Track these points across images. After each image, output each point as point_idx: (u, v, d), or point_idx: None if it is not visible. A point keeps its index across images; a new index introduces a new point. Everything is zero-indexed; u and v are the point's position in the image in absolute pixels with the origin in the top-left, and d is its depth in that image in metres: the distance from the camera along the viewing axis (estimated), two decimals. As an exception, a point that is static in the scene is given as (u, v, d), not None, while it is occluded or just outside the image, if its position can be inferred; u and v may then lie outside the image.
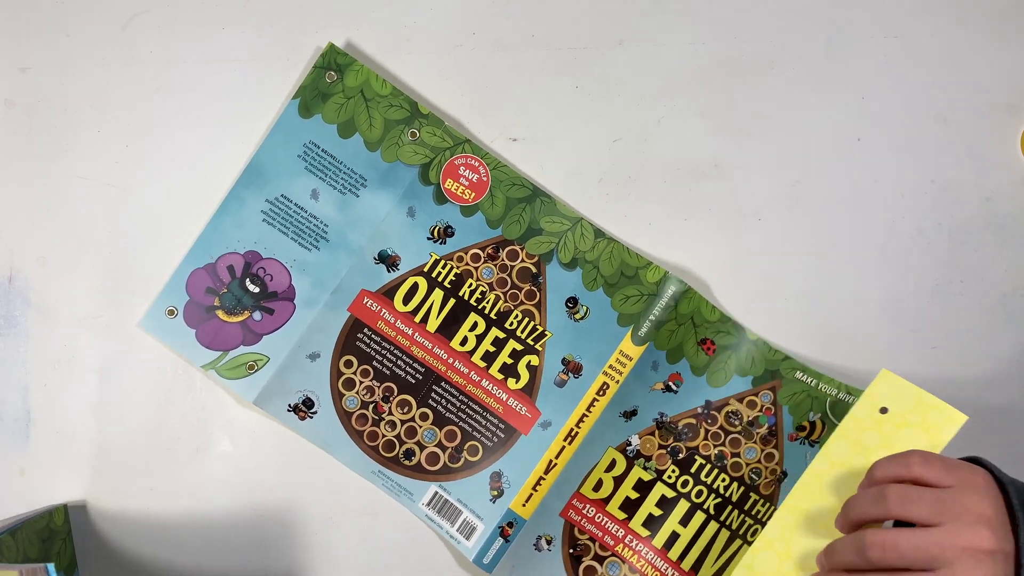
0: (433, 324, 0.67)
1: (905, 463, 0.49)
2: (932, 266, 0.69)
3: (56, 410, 0.69)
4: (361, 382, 0.67)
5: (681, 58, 0.70)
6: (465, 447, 0.67)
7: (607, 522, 0.67)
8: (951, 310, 0.69)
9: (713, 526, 0.66)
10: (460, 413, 0.67)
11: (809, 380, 0.67)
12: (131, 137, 0.69)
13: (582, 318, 0.67)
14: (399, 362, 0.67)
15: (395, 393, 0.67)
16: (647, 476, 0.67)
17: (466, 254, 0.68)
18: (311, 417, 0.67)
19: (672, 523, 0.66)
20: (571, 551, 0.67)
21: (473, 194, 0.68)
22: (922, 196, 0.69)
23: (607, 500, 0.67)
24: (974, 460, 0.50)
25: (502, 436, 0.67)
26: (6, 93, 0.69)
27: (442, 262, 0.68)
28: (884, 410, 0.56)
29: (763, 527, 0.61)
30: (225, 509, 0.68)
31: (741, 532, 0.66)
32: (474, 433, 0.67)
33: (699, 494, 0.67)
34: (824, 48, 0.70)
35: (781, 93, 0.70)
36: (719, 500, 0.66)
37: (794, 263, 0.69)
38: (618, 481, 0.67)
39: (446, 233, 0.68)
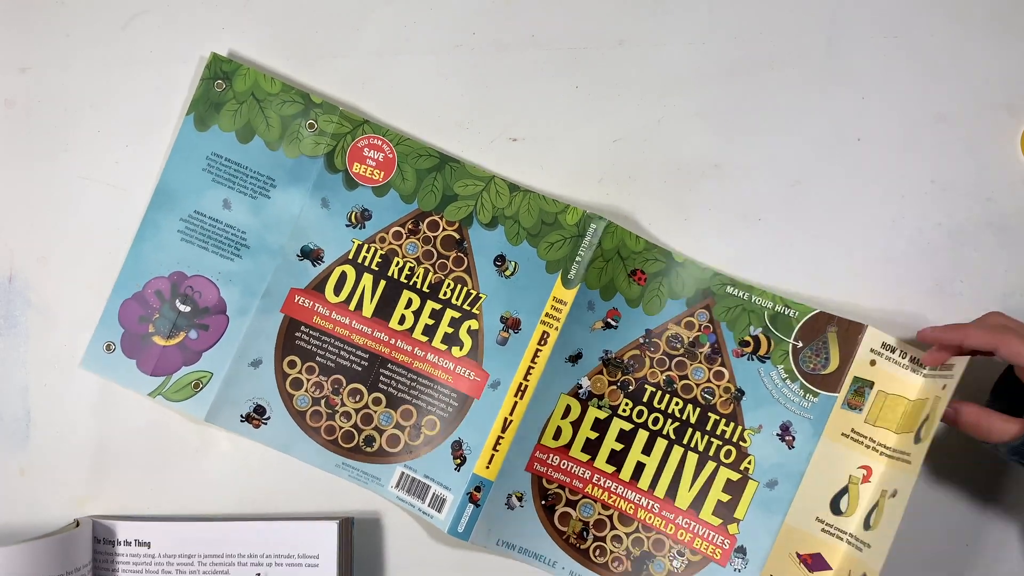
0: (368, 309, 0.68)
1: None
2: (932, 266, 0.69)
3: (56, 410, 0.69)
4: (308, 379, 0.68)
5: (681, 58, 0.70)
6: (423, 423, 0.68)
7: (572, 466, 0.68)
8: (951, 310, 0.69)
9: (678, 450, 0.68)
10: (411, 391, 0.68)
11: (741, 294, 0.68)
12: (131, 137, 0.69)
13: (512, 274, 0.68)
14: (342, 353, 0.68)
15: (344, 384, 0.68)
16: (602, 415, 0.68)
17: (387, 233, 0.68)
18: (265, 424, 0.68)
19: (635, 454, 0.68)
20: (543, 502, 0.67)
21: (382, 173, 0.68)
22: (922, 196, 0.69)
23: (568, 446, 0.68)
24: None
25: (456, 405, 0.67)
26: (6, 93, 0.69)
27: (365, 246, 0.68)
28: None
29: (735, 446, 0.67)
30: (225, 509, 0.68)
31: (711, 453, 0.68)
32: (428, 408, 0.68)
33: (655, 421, 0.68)
34: (824, 48, 0.70)
35: (781, 93, 0.70)
36: (677, 424, 0.68)
37: (794, 263, 0.69)
38: (576, 425, 0.68)
39: (363, 217, 0.68)
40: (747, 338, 0.68)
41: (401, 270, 0.68)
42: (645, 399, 0.68)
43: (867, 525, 0.64)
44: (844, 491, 0.66)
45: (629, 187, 0.69)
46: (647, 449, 0.68)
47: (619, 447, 0.68)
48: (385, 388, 0.68)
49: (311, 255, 0.68)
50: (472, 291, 0.68)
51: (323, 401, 0.68)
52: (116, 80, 0.69)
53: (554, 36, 0.70)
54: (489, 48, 0.70)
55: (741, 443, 0.68)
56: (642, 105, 0.70)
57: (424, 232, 0.68)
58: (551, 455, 0.67)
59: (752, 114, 0.69)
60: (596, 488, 0.68)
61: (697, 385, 0.68)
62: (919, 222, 0.69)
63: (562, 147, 0.69)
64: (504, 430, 0.66)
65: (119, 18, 0.70)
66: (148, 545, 0.65)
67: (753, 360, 0.68)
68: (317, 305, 0.68)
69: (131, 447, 0.68)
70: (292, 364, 0.68)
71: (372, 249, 0.68)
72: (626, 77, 0.70)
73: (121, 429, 0.68)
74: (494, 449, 0.66)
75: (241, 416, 0.67)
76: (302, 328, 0.68)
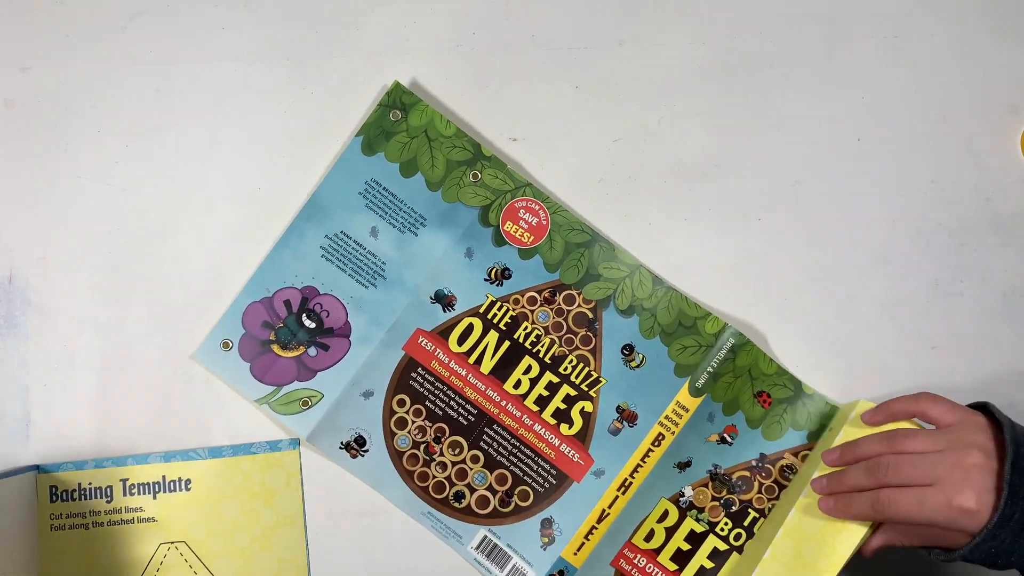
0: (487, 366, 0.67)
1: (916, 399, 0.59)
2: (932, 266, 0.69)
3: (56, 410, 0.69)
4: (413, 422, 0.67)
5: (681, 58, 0.70)
6: (516, 492, 0.67)
7: (658, 573, 0.66)
8: (951, 310, 0.69)
9: None
10: (512, 457, 0.67)
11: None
12: (131, 137, 0.69)
13: (638, 366, 0.67)
14: (452, 403, 0.67)
15: (447, 434, 0.67)
16: (699, 528, 0.66)
17: (522, 297, 0.68)
18: (362, 455, 0.67)
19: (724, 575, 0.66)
20: None
21: (532, 237, 0.68)
22: (922, 196, 0.69)
23: (658, 551, 0.66)
24: (982, 405, 0.59)
25: (554, 482, 0.67)
26: (6, 93, 0.69)
27: (498, 304, 0.67)
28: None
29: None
30: (225, 509, 0.68)
31: None
32: (525, 478, 0.67)
33: (749, 543, 0.66)
34: (824, 48, 0.70)
35: (781, 93, 0.70)
36: None
37: (794, 263, 0.69)
38: (670, 532, 0.66)
39: (503, 275, 0.68)
40: None
41: (527, 335, 0.67)
42: (746, 523, 0.66)
43: None
44: None
45: (629, 187, 0.69)
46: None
47: (710, 565, 0.66)
48: (486, 448, 0.67)
49: (444, 300, 0.68)
50: (593, 373, 0.67)
51: (423, 446, 0.67)
52: (116, 80, 0.69)
53: (554, 36, 0.70)
54: (489, 48, 0.70)
55: None
56: (642, 105, 0.70)
57: (559, 304, 0.67)
58: (639, 556, 0.66)
59: (752, 114, 0.69)
60: None
61: None
62: (919, 222, 0.69)
63: (562, 147, 0.69)
64: (600, 521, 0.66)
65: (119, 18, 0.70)
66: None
67: None
68: (438, 351, 0.67)
69: (131, 447, 0.68)
70: (401, 403, 0.67)
71: (504, 308, 0.67)
72: (626, 77, 0.70)
73: (122, 429, 0.68)
74: (586, 537, 0.65)
75: (341, 443, 0.67)
76: (419, 370, 0.67)
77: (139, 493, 0.65)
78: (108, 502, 0.65)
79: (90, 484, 0.65)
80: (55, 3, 0.70)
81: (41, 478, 0.65)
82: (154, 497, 0.65)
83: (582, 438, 0.67)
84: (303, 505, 0.66)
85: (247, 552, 0.65)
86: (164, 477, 0.66)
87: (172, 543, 0.65)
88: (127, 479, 0.65)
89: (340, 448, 0.67)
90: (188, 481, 0.66)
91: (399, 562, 0.68)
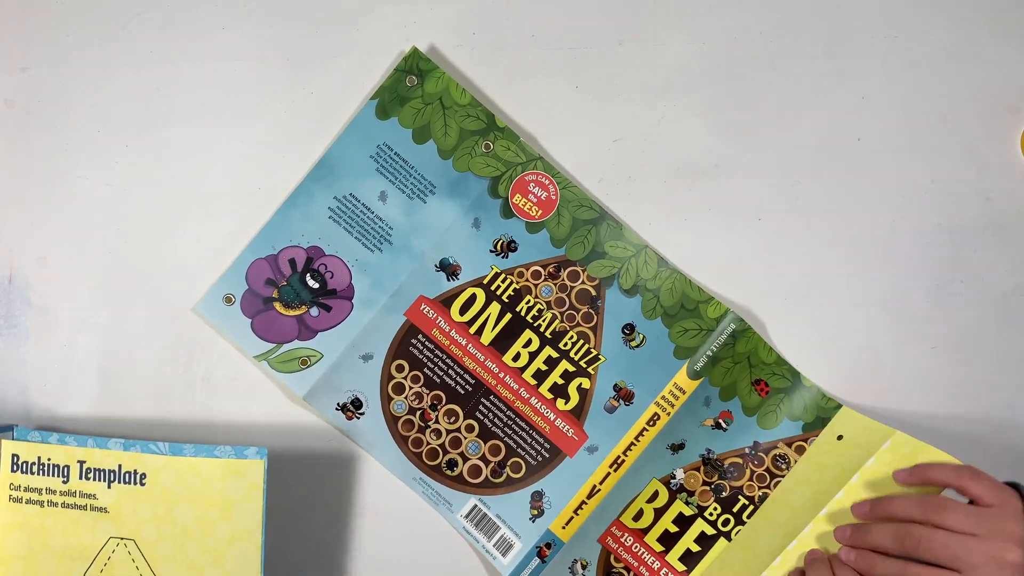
0: (487, 337, 0.68)
1: (958, 472, 0.57)
2: (932, 266, 0.69)
3: (56, 410, 0.69)
4: (411, 388, 0.68)
5: (681, 58, 0.70)
6: (508, 463, 0.67)
7: (644, 553, 0.66)
8: (951, 310, 0.69)
9: None
10: (506, 428, 0.67)
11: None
12: (131, 137, 0.69)
13: (638, 346, 0.67)
14: (450, 371, 0.68)
15: (443, 402, 0.68)
16: (688, 511, 0.67)
17: (527, 270, 0.68)
18: (358, 418, 0.67)
19: (709, 560, 0.66)
20: None
21: (540, 211, 0.68)
22: (922, 196, 0.69)
23: (646, 531, 0.67)
24: (1015, 484, 0.56)
25: (546, 456, 0.67)
26: (6, 93, 0.69)
27: (502, 276, 0.68)
28: (840, 437, 0.65)
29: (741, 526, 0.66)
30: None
31: None
32: (518, 450, 0.67)
33: (739, 534, 0.66)
34: (824, 48, 0.70)
35: (781, 93, 0.70)
36: None
37: (794, 263, 0.69)
38: (659, 513, 0.67)
39: (509, 247, 0.68)
40: None
41: (530, 309, 0.68)
42: (735, 509, 0.66)
43: None
44: None
45: (629, 187, 0.69)
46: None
47: (696, 548, 0.66)
48: (481, 418, 0.67)
49: (448, 269, 0.68)
50: (593, 350, 0.67)
51: (419, 413, 0.68)
52: (116, 80, 0.69)
53: (554, 36, 0.70)
54: (489, 48, 0.70)
55: None
56: (642, 105, 0.70)
57: (563, 279, 0.68)
58: (626, 534, 0.67)
59: (752, 114, 0.69)
60: None
61: None
62: (919, 222, 0.69)
63: (562, 147, 0.69)
64: (590, 496, 0.66)
65: (119, 18, 0.70)
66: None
67: None
68: (440, 319, 0.68)
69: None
70: (400, 368, 0.68)
71: (508, 281, 0.68)
72: (626, 77, 0.70)
73: (121, 429, 0.68)
74: (575, 512, 0.66)
75: (338, 404, 0.67)
76: (419, 336, 0.68)
77: (94, 479, 0.63)
78: (64, 482, 0.63)
79: (49, 459, 0.62)
80: (55, 3, 0.70)
81: (6, 444, 0.62)
82: (108, 486, 0.62)
83: (577, 414, 0.67)
84: (263, 521, 0.62)
85: (197, 563, 0.62)
86: (120, 466, 0.63)
87: (121, 539, 0.62)
88: (84, 461, 0.63)
89: (336, 409, 0.67)
90: (143, 475, 0.62)
91: (400, 561, 0.68)
